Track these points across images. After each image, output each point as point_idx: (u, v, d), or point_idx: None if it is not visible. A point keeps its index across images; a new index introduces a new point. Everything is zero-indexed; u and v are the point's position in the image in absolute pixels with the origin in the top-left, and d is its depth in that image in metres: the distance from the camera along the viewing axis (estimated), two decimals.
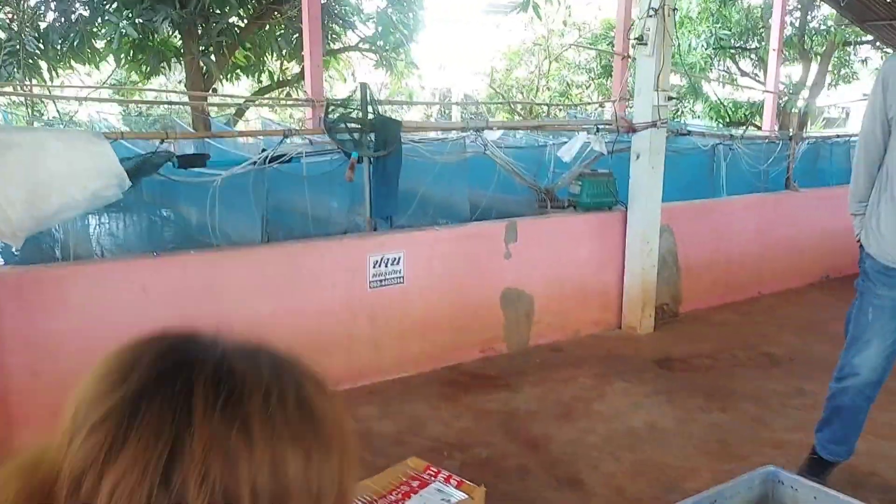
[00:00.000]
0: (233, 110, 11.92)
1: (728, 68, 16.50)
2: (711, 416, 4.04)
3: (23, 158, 3.22)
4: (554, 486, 3.28)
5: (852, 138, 7.89)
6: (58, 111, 11.15)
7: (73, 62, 9.97)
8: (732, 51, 15.55)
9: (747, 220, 6.41)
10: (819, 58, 14.97)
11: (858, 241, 3.02)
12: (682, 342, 5.28)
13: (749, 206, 6.48)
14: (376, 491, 2.34)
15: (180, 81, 14.31)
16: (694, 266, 5.96)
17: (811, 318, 5.90)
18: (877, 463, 3.15)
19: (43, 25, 9.45)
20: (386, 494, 2.31)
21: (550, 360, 4.91)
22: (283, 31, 10.89)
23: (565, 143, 5.36)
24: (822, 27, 14.48)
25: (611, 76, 13.02)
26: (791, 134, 7.02)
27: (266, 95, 12.40)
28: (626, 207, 5.43)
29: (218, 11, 9.87)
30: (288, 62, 12.18)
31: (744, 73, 16.48)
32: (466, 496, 2.30)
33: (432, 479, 2.42)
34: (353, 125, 4.39)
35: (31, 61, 9.18)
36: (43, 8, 9.46)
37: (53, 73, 9.94)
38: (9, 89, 9.15)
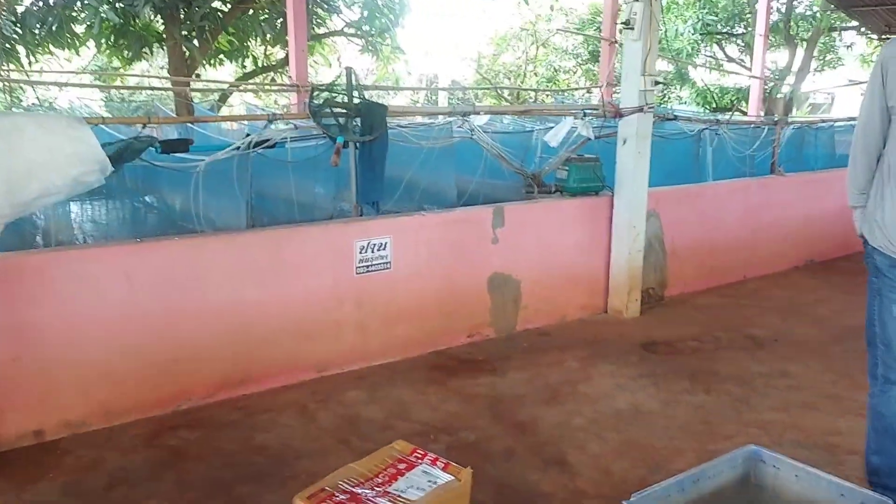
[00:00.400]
0: (216, 96, 11.82)
1: (714, 54, 16.53)
2: (696, 397, 4.06)
3: (0, 144, 3.17)
4: (540, 468, 3.29)
5: (837, 124, 7.94)
6: (37, 97, 11.01)
7: (51, 47, 9.83)
8: (719, 36, 15.57)
9: (733, 204, 6.44)
10: (805, 43, 15.01)
11: (862, 236, 2.83)
12: (668, 326, 5.31)
13: (735, 191, 6.50)
14: (363, 474, 2.34)
15: (162, 67, 14.17)
16: (680, 250, 5.99)
17: (795, 301, 5.96)
18: (858, 442, 3.17)
19: (20, 9, 9.30)
20: (373, 477, 2.31)
21: (537, 345, 4.92)
22: (266, 16, 10.79)
23: (552, 128, 5.35)
24: (808, 13, 14.52)
25: (598, 62, 13.02)
26: (776, 119, 7.04)
27: (250, 81, 12.30)
28: (613, 192, 5.43)
29: None
30: (272, 47, 12.08)
31: (730, 59, 16.52)
32: (453, 478, 2.30)
33: (419, 461, 2.42)
34: (338, 110, 4.36)
35: (8, 46, 9.05)
36: None
37: (32, 58, 9.79)
38: None
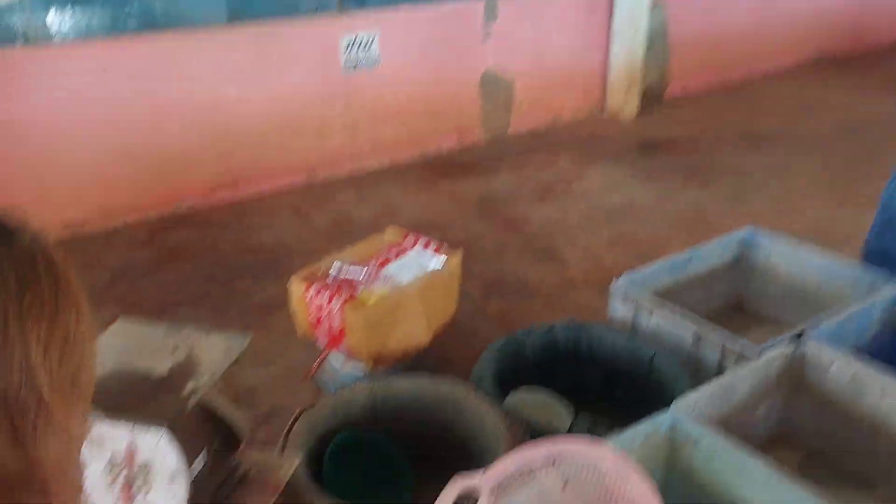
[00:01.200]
0: None
1: None
2: (690, 192, 4.05)
3: None
4: (531, 261, 3.34)
5: None
6: None
7: None
8: None
9: None
10: None
11: None
12: (667, 124, 5.19)
13: None
14: (355, 260, 2.35)
15: None
16: (685, 45, 5.66)
17: (801, 98, 5.76)
18: (854, 231, 3.09)
19: None
20: (367, 260, 2.32)
21: (530, 145, 4.83)
22: None
23: None
24: None
25: None
26: None
27: None
28: None
29: None
30: None
31: None
32: (444, 259, 2.31)
33: (410, 246, 2.42)
34: None
35: None
36: None
37: None
38: None
